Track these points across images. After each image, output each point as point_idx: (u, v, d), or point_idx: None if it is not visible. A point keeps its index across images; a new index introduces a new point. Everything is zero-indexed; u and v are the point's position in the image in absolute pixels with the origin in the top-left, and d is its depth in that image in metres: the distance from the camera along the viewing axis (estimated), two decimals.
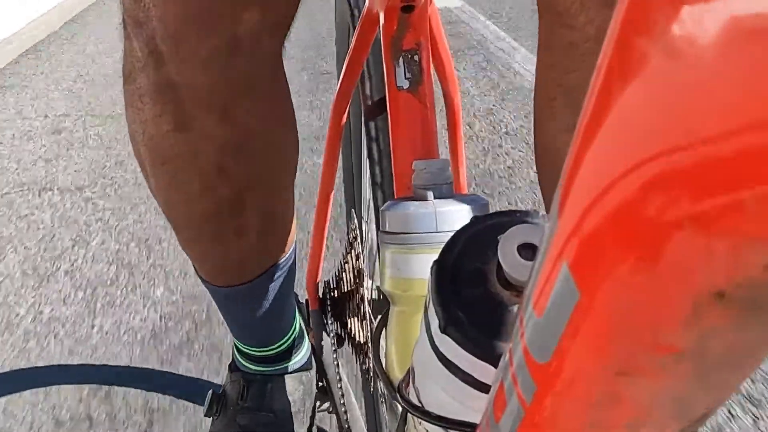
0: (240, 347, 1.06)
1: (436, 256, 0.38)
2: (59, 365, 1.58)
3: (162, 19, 0.64)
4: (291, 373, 1.09)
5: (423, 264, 0.52)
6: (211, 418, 1.09)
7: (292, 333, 1.07)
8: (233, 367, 1.10)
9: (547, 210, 0.55)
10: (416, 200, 0.54)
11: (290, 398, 1.07)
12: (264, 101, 0.73)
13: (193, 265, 0.95)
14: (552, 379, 0.22)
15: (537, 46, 0.73)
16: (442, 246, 0.38)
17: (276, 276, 0.93)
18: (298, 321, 1.10)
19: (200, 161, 0.72)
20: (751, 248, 0.14)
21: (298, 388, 1.08)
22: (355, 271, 0.87)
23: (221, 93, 0.68)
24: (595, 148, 0.17)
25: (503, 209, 0.40)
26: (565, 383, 0.21)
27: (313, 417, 1.11)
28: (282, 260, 0.92)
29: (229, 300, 0.96)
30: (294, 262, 0.96)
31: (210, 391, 1.08)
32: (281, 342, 1.05)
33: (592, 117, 0.17)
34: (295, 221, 0.93)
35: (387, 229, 0.54)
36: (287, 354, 1.07)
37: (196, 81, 0.67)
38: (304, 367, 1.11)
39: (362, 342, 0.83)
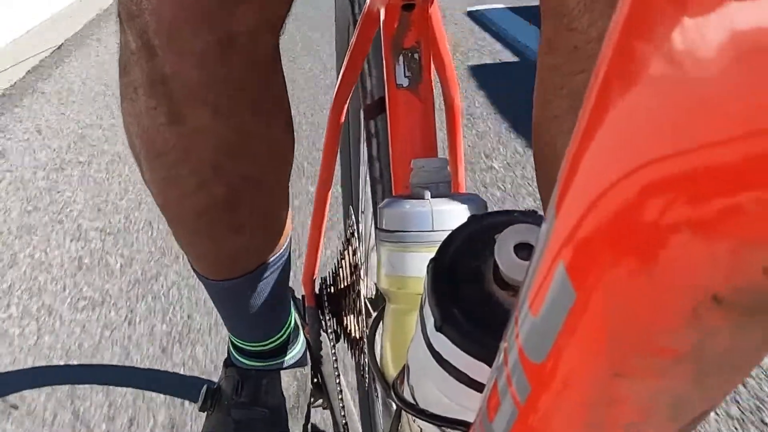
0: (235, 342, 1.06)
1: (431, 255, 0.38)
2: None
3: (155, 13, 0.64)
4: (286, 368, 1.09)
5: (418, 262, 0.52)
6: (205, 413, 1.09)
7: (287, 329, 1.07)
8: (228, 362, 1.10)
9: (545, 210, 0.55)
10: (413, 198, 0.54)
11: (285, 394, 1.07)
12: (259, 97, 0.73)
13: (188, 259, 0.95)
14: (547, 380, 0.22)
15: (538, 48, 0.73)
16: (438, 245, 0.38)
17: (270, 271, 0.93)
18: (294, 317, 1.10)
19: (194, 156, 0.72)
20: (750, 252, 0.14)
21: (292, 383, 1.08)
22: (352, 267, 0.87)
23: (215, 88, 0.68)
24: (594, 150, 0.17)
25: (501, 209, 0.40)
26: (560, 384, 0.21)
27: (308, 413, 1.11)
28: (276, 255, 0.92)
29: (224, 294, 0.96)
30: (288, 258, 0.96)
31: (204, 386, 1.08)
32: (276, 337, 1.05)
33: (591, 119, 0.17)
34: (290, 217, 0.93)
35: (383, 226, 0.54)
36: (282, 349, 1.07)
37: (189, 75, 0.66)
38: (300, 363, 1.11)
39: (358, 338, 0.83)
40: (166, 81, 0.67)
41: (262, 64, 0.72)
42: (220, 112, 0.69)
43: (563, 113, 0.68)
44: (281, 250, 0.93)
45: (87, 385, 1.51)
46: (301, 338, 1.12)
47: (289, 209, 0.92)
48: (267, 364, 1.07)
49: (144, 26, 0.65)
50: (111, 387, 1.49)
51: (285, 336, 1.07)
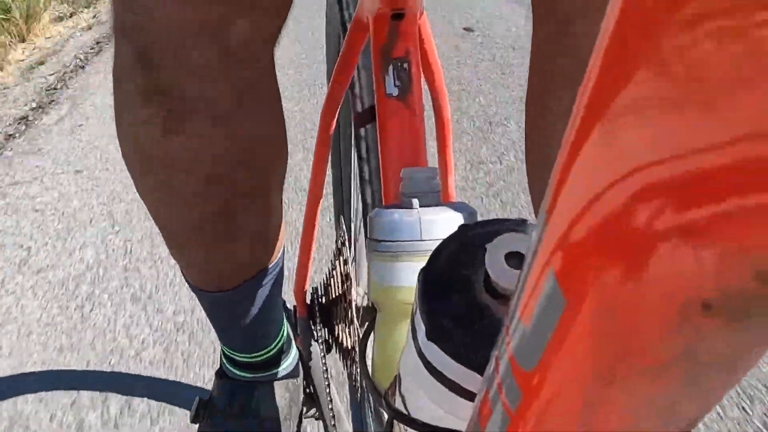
0: (228, 353, 1.06)
1: (421, 265, 0.38)
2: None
3: (153, 26, 0.64)
4: (279, 379, 1.08)
5: (407, 272, 0.52)
6: (197, 425, 1.08)
7: (280, 340, 1.07)
8: (221, 374, 1.09)
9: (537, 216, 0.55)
10: (402, 208, 0.54)
11: (277, 405, 1.07)
12: (255, 108, 0.73)
13: (181, 270, 0.95)
14: (538, 387, 0.22)
15: (530, 53, 0.73)
16: (427, 254, 0.38)
17: (264, 281, 0.92)
18: (286, 328, 1.09)
19: (189, 167, 0.72)
20: (738, 259, 0.14)
21: (284, 395, 1.08)
22: (343, 276, 0.87)
23: (212, 100, 0.68)
24: (583, 157, 0.17)
25: (491, 219, 0.40)
26: (551, 391, 0.21)
27: (299, 423, 1.10)
28: (270, 266, 0.92)
29: (217, 305, 0.95)
30: (282, 268, 0.96)
31: (197, 398, 1.07)
32: (269, 349, 1.05)
33: (580, 127, 0.17)
34: (283, 227, 0.92)
35: (373, 236, 0.54)
36: (275, 361, 1.07)
37: (186, 87, 0.66)
38: (292, 375, 1.11)
39: (349, 348, 0.83)
40: (163, 93, 0.66)
41: (258, 75, 0.71)
42: (216, 123, 0.69)
43: (558, 110, 0.68)
44: (275, 260, 0.93)
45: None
46: (294, 349, 1.12)
47: (282, 220, 0.92)
48: (260, 375, 1.07)
49: (141, 40, 0.64)
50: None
51: (278, 347, 1.06)
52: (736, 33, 0.12)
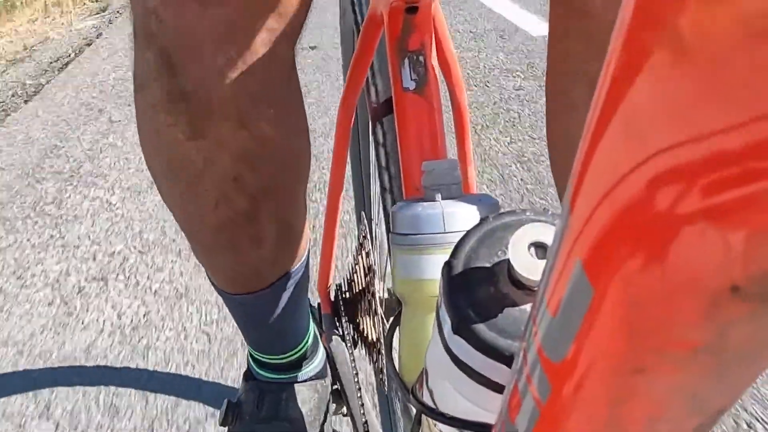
0: (255, 356, 1.06)
1: (445, 257, 0.38)
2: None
3: (177, 31, 0.64)
4: (306, 381, 1.08)
5: (432, 265, 0.52)
6: (226, 428, 1.08)
7: (307, 340, 1.07)
8: (248, 376, 1.09)
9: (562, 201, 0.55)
10: (425, 201, 0.54)
11: (305, 406, 1.07)
12: (279, 109, 0.73)
13: (207, 273, 0.95)
14: (567, 379, 0.21)
15: (548, 35, 0.73)
16: (451, 246, 0.38)
17: (290, 283, 0.92)
18: (312, 328, 1.09)
19: (215, 171, 0.72)
20: (766, 240, 0.14)
21: (313, 396, 1.08)
22: (366, 269, 0.87)
23: (237, 102, 0.68)
24: (605, 143, 0.17)
25: (513, 209, 0.40)
26: (580, 382, 0.21)
27: (324, 420, 1.10)
28: (296, 267, 0.92)
29: (244, 308, 0.95)
30: (307, 269, 0.96)
31: (225, 401, 1.07)
32: (297, 349, 1.05)
33: (602, 112, 0.17)
34: (307, 226, 0.92)
35: (396, 230, 0.54)
36: (303, 361, 1.07)
37: (211, 90, 0.66)
38: (320, 375, 1.11)
39: (375, 341, 0.83)
40: (187, 97, 0.67)
41: (281, 75, 0.72)
42: (240, 125, 0.69)
43: (581, 102, 0.68)
44: (301, 261, 0.93)
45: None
46: (321, 349, 1.12)
47: (307, 219, 0.92)
48: (288, 376, 1.07)
49: (165, 44, 0.65)
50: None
51: (305, 347, 1.06)
52: (755, 14, 0.12)
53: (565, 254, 0.20)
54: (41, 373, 1.60)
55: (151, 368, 1.59)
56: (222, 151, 0.71)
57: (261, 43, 0.66)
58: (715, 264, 0.15)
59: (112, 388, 1.53)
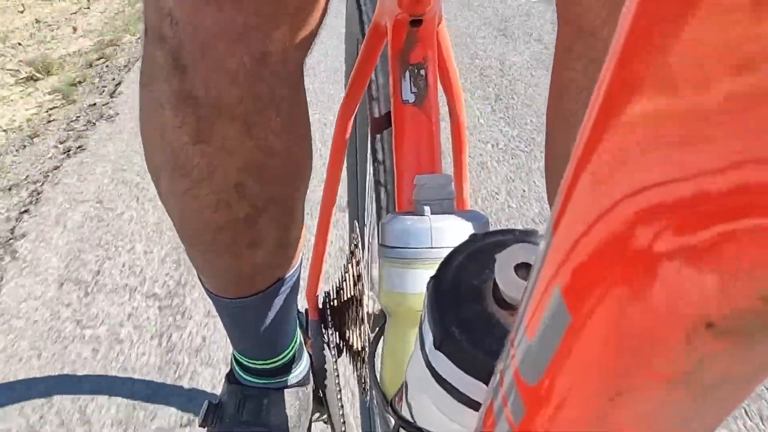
0: (239, 359, 1.05)
1: (431, 272, 0.38)
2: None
3: (190, 33, 0.63)
4: (290, 387, 1.08)
5: (417, 279, 0.52)
6: (205, 429, 1.08)
7: (293, 347, 1.06)
8: (231, 379, 1.09)
9: None
10: (414, 215, 0.54)
11: (287, 413, 1.06)
12: (285, 117, 0.73)
13: (199, 278, 0.95)
14: (541, 403, 0.21)
15: (554, 55, 0.73)
16: (438, 262, 0.38)
17: (282, 289, 0.92)
18: (299, 335, 1.09)
19: (217, 175, 0.72)
20: (742, 279, 0.14)
21: (294, 403, 1.08)
22: (355, 277, 0.87)
23: (245, 107, 0.68)
24: (590, 174, 0.17)
25: (503, 228, 0.40)
26: (554, 407, 0.21)
27: (309, 427, 1.10)
28: (290, 273, 0.92)
29: (236, 312, 0.95)
30: (299, 276, 0.96)
31: (206, 402, 1.07)
32: (282, 356, 1.04)
33: (588, 143, 0.17)
34: (303, 234, 0.92)
35: (385, 242, 0.54)
36: (287, 368, 1.07)
37: (220, 94, 0.66)
38: (302, 382, 1.10)
39: (359, 350, 0.83)
40: (196, 99, 0.66)
41: (291, 82, 0.71)
42: (246, 131, 0.69)
43: (574, 129, 0.68)
44: (294, 269, 0.92)
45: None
46: (305, 357, 1.12)
47: (302, 226, 0.92)
48: (271, 382, 1.06)
49: (177, 46, 0.64)
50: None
51: (291, 354, 1.06)
52: (743, 55, 0.12)
53: (546, 279, 0.20)
54: None
55: None
56: (226, 158, 0.70)
57: (273, 51, 0.66)
58: (691, 301, 0.15)
59: None
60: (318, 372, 1.11)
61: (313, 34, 0.70)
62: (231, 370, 1.10)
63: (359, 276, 0.87)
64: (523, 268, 0.34)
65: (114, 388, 1.52)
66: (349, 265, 0.95)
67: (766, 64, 0.12)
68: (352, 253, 0.94)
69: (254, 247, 0.81)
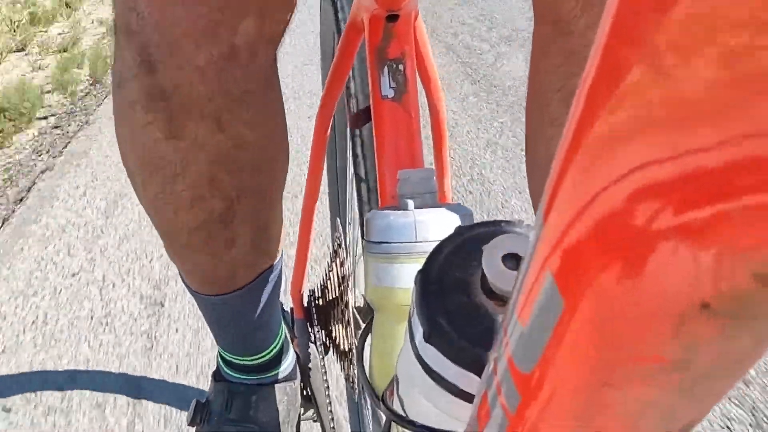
0: (225, 356, 1.05)
1: (417, 266, 0.38)
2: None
3: (157, 27, 0.63)
4: (276, 382, 1.08)
5: (403, 273, 0.52)
6: (194, 428, 1.08)
7: (278, 342, 1.06)
8: (218, 377, 1.09)
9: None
10: (398, 209, 0.54)
11: (275, 409, 1.06)
12: (258, 111, 0.73)
13: (180, 275, 0.94)
14: (536, 390, 0.22)
15: (531, 52, 0.73)
16: (423, 256, 0.38)
17: (263, 285, 0.92)
18: (284, 330, 1.09)
19: (191, 171, 0.71)
20: (737, 259, 0.14)
21: (282, 399, 1.08)
22: (340, 278, 0.87)
23: (216, 102, 0.68)
24: (581, 157, 0.17)
25: (487, 220, 0.40)
26: (549, 394, 0.21)
27: (298, 425, 1.10)
28: (270, 269, 0.92)
29: (218, 309, 0.95)
30: (281, 271, 0.96)
31: (194, 401, 1.06)
32: (267, 351, 1.04)
33: (578, 126, 0.17)
34: (283, 229, 0.92)
35: (369, 238, 0.54)
36: (273, 363, 1.06)
37: (190, 89, 0.66)
38: (290, 378, 1.10)
39: (347, 349, 0.83)
40: (166, 95, 0.66)
41: (262, 77, 0.71)
42: (219, 125, 0.69)
43: (560, 117, 0.68)
44: (274, 263, 0.92)
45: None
46: (291, 352, 1.12)
47: (282, 221, 0.92)
48: (257, 378, 1.06)
49: (145, 41, 0.64)
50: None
51: (276, 350, 1.06)
52: (731, 32, 0.12)
53: (537, 266, 0.20)
54: None
55: None
56: (199, 152, 0.70)
57: (243, 44, 0.65)
58: (686, 281, 0.15)
59: None
60: (305, 370, 1.11)
61: (283, 29, 0.70)
62: (217, 368, 1.09)
63: (343, 277, 0.87)
64: (510, 259, 0.34)
65: None
66: (333, 264, 0.94)
67: (754, 40, 0.12)
68: (335, 252, 0.94)
69: (231, 244, 0.81)
